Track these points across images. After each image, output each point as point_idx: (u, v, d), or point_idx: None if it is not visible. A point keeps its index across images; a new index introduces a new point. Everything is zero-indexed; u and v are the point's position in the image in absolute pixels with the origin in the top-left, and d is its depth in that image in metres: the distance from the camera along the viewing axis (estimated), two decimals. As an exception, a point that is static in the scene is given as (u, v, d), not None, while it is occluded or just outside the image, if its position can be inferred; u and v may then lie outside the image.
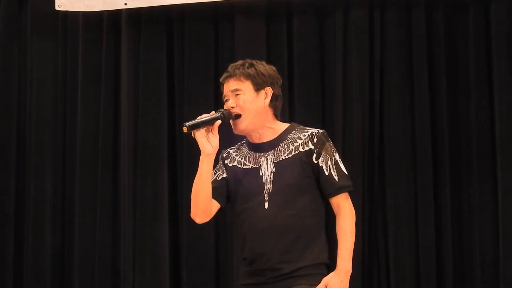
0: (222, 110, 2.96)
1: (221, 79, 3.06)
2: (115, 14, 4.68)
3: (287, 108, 4.44)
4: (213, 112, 2.93)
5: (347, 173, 3.00)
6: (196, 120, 2.89)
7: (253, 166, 3.00)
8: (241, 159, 3.05)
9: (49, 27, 4.81)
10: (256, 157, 3.01)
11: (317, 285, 2.89)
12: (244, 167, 3.03)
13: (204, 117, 2.91)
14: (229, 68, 3.05)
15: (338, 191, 2.96)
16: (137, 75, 4.62)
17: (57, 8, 4.65)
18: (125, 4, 4.56)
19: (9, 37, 4.87)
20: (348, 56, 4.42)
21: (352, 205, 2.99)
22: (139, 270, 4.51)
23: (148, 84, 4.58)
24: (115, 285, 4.60)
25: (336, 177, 2.96)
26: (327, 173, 2.95)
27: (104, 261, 4.62)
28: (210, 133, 2.91)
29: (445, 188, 4.30)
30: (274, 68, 3.09)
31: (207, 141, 2.90)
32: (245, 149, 3.07)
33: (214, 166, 3.02)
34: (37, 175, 4.76)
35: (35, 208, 4.74)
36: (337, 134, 4.37)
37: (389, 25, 4.42)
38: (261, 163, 2.99)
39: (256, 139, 3.04)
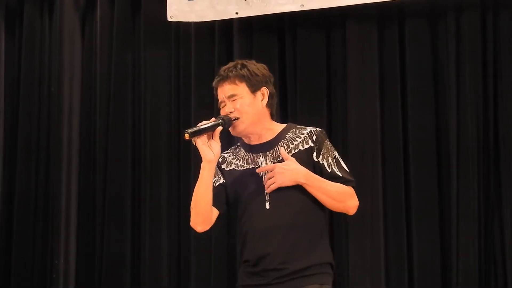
0: (222, 116, 2.91)
1: (213, 83, 2.99)
2: (226, 24, 4.74)
3: (400, 112, 4.45)
4: (213, 118, 2.88)
5: (348, 170, 2.93)
6: (198, 127, 2.85)
7: (252, 167, 2.93)
8: (239, 161, 2.98)
9: (162, 37, 4.92)
10: (254, 158, 2.95)
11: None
12: (242, 169, 2.96)
13: (205, 123, 2.86)
14: (221, 71, 2.97)
15: (344, 183, 2.89)
16: (249, 83, 4.67)
17: (169, 19, 4.74)
18: (236, 13, 4.60)
19: (123, 48, 5.02)
20: (461, 59, 4.38)
21: (357, 199, 2.91)
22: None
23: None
24: (232, 288, 4.69)
25: (339, 173, 2.89)
26: (329, 170, 2.89)
27: (220, 264, 4.67)
28: (212, 140, 2.86)
29: None
30: (265, 66, 3.03)
31: (209, 148, 2.85)
32: (241, 152, 3.00)
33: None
34: (152, 182, 4.88)
35: (151, 213, 4.86)
36: (452, 138, 4.35)
37: (502, 27, 4.36)
38: (260, 163, 2.92)
39: (255, 140, 2.98)
